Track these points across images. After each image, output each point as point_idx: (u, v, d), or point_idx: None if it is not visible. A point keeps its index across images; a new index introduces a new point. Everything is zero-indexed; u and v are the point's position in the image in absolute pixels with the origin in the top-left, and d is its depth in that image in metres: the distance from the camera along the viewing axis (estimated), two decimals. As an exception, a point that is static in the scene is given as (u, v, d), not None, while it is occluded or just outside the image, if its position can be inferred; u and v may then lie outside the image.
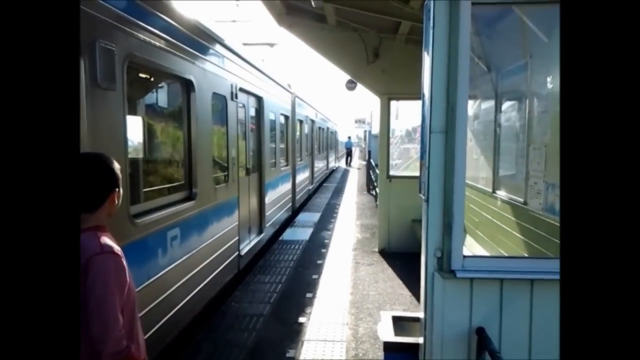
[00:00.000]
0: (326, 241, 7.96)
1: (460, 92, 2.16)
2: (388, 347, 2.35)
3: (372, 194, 14.75)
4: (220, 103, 5.18)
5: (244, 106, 6.22)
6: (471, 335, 2.12)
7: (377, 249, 7.22)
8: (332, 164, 25.24)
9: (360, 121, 40.74)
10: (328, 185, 18.07)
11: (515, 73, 4.24)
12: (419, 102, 7.38)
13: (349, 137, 37.57)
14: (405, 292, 5.30)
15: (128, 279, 1.83)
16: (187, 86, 4.20)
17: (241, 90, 5.88)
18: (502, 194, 4.42)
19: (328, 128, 22.74)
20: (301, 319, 4.47)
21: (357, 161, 38.00)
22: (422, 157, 2.21)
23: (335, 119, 29.50)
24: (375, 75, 6.73)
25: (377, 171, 14.33)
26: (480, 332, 2.07)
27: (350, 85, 12.15)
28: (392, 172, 7.13)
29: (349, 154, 34.83)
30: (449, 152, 2.13)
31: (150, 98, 3.96)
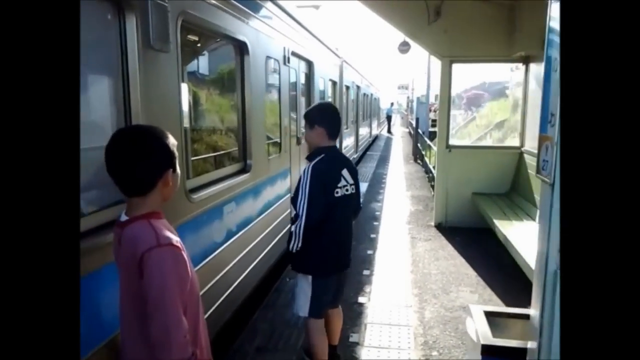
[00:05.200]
0: (377, 213, 7.63)
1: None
2: (487, 350, 2.02)
3: (418, 163, 14.22)
4: (273, 67, 4.83)
5: (295, 71, 5.85)
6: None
7: (433, 223, 6.83)
8: (374, 132, 24.63)
9: (403, 87, 39.60)
10: (372, 154, 17.60)
11: None
12: (479, 66, 6.77)
13: (392, 104, 36.59)
14: (470, 272, 4.92)
15: (190, 274, 1.55)
16: (241, 49, 3.87)
17: (293, 54, 5.50)
18: None
19: (372, 94, 22.06)
20: (361, 299, 4.20)
21: (400, 129, 37.09)
22: (543, 130, 1.80)
23: (377, 84, 28.62)
24: (436, 36, 6.17)
25: (427, 140, 13.79)
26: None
27: (403, 48, 11.50)
28: (452, 142, 6.62)
29: (389, 121, 33.89)
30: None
31: (203, 62, 3.65)
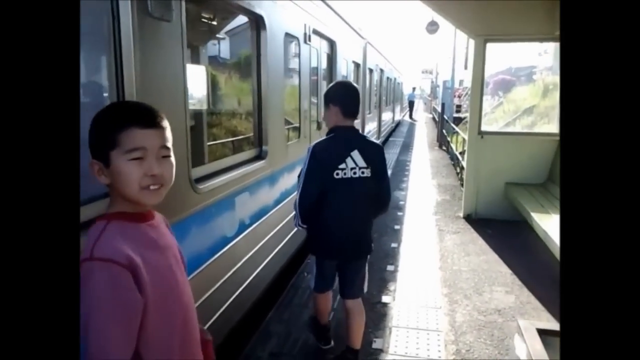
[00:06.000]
0: (401, 203, 7.25)
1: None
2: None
3: (444, 150, 13.71)
4: (292, 46, 4.47)
5: (317, 51, 5.46)
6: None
7: (462, 214, 6.41)
8: (397, 117, 24.05)
9: (427, 72, 38.63)
10: (395, 140, 17.10)
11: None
12: (506, 50, 6.23)
13: (414, 89, 35.69)
14: (504, 270, 4.53)
15: (146, 297, 1.14)
16: (257, 23, 3.51)
17: (314, 32, 5.11)
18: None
19: (395, 78, 21.45)
20: (385, 299, 3.86)
21: (423, 114, 36.32)
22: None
23: (401, 68, 27.87)
24: (469, 13, 5.69)
25: (453, 126, 13.24)
26: None
27: (432, 28, 10.93)
28: (485, 128, 6.16)
29: (411, 106, 33.04)
30: None
31: (213, 36, 3.31)
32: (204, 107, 3.21)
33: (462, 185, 8.37)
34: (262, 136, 3.66)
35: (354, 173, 2.57)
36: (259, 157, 3.61)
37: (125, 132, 1.16)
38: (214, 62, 3.28)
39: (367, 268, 2.87)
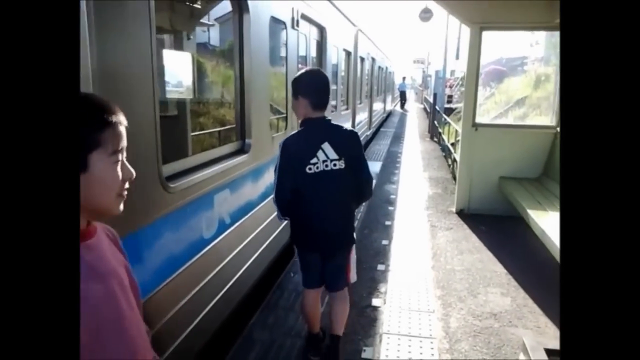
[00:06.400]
0: (392, 197, 7.04)
1: None
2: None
3: (435, 141, 13.53)
4: (279, 31, 4.19)
5: (305, 37, 5.18)
6: None
7: (454, 209, 6.22)
8: (388, 107, 23.81)
9: (418, 61, 38.30)
10: (386, 131, 16.87)
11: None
12: (498, 39, 6.06)
13: (404, 79, 35.34)
14: (499, 269, 4.34)
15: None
16: (240, 5, 3.23)
17: (303, 17, 4.83)
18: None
19: (387, 68, 21.16)
20: (375, 302, 3.65)
21: (414, 105, 36.12)
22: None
23: (392, 57, 27.56)
24: (466, -1, 5.44)
25: (445, 117, 13.04)
26: None
27: (425, 16, 10.65)
28: (479, 119, 5.94)
29: (402, 97, 32.71)
30: None
31: (188, 16, 3.03)
32: (182, 96, 2.95)
33: (454, 178, 8.19)
34: (244, 128, 3.40)
35: (326, 166, 2.47)
36: (242, 150, 3.36)
37: (111, 129, 1.00)
38: (188, 41, 3.00)
39: (354, 257, 2.77)
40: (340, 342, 2.81)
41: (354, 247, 2.77)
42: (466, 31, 5.77)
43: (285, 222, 4.26)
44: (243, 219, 3.32)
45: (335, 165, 2.48)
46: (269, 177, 3.90)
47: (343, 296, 2.79)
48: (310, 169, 2.46)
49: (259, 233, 3.66)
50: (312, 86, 2.54)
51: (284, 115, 4.49)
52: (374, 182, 7.71)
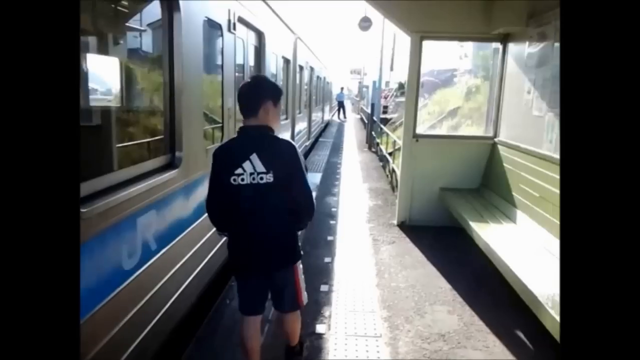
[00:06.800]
0: (333, 209, 6.85)
1: None
2: None
3: (373, 151, 13.61)
4: (214, 34, 3.87)
5: (243, 42, 4.88)
6: None
7: (395, 222, 6.13)
8: (326, 117, 23.88)
9: (355, 72, 38.95)
10: (325, 141, 16.81)
11: None
12: (430, 52, 6.11)
13: (342, 89, 35.73)
14: (444, 285, 4.24)
15: None
16: (169, 3, 2.89)
17: (240, 20, 4.53)
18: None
19: (325, 77, 21.20)
20: (319, 328, 3.39)
21: (351, 115, 36.59)
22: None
23: (330, 67, 27.74)
24: (406, 8, 5.39)
25: (383, 127, 13.16)
26: None
27: (365, 25, 10.66)
28: (420, 130, 5.90)
29: (340, 106, 32.94)
30: None
31: (107, 14, 2.66)
32: (88, 103, 2.56)
33: (392, 189, 8.17)
34: (175, 140, 3.04)
35: (253, 179, 2.26)
36: (171, 165, 3.00)
37: None
38: (110, 40, 2.64)
39: (301, 278, 2.56)
40: (297, 347, 2.83)
41: (299, 266, 2.54)
42: (406, 41, 5.73)
43: (221, 242, 3.94)
44: (173, 242, 2.96)
45: (262, 179, 2.26)
46: (203, 194, 3.56)
47: (296, 316, 2.71)
48: (234, 180, 2.26)
49: (192, 256, 3.30)
50: (239, 93, 2.39)
51: (220, 124, 4.16)
52: (315, 194, 7.49)
